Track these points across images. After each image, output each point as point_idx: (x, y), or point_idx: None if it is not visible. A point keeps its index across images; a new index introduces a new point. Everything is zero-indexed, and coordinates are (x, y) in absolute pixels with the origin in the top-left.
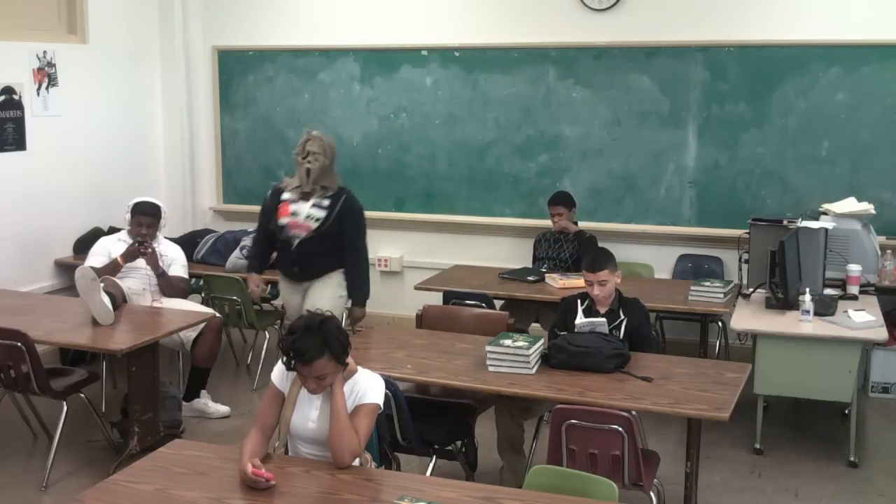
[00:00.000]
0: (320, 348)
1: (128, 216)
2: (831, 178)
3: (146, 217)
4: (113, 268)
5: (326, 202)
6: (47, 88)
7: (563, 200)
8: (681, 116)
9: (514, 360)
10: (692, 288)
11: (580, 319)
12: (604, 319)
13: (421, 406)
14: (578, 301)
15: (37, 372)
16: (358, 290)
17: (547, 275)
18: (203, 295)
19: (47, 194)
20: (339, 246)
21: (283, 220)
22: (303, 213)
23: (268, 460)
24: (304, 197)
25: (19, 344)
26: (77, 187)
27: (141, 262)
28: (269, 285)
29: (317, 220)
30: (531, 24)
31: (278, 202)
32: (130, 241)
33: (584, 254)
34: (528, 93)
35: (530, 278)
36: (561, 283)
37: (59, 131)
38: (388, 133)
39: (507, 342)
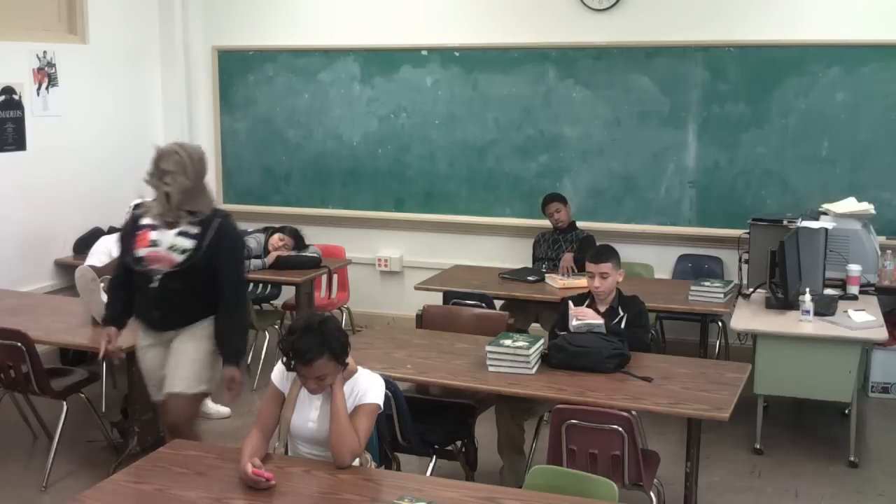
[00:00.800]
0: (320, 348)
1: (128, 217)
2: (831, 178)
3: None
4: (113, 268)
5: (195, 229)
6: (47, 88)
7: (556, 197)
8: (681, 116)
9: (514, 360)
10: (692, 288)
11: (577, 321)
12: (601, 321)
13: (421, 406)
14: (572, 303)
15: (37, 372)
16: (230, 345)
17: (547, 274)
18: None
19: (47, 194)
20: (212, 286)
21: (141, 252)
22: (165, 244)
23: (268, 460)
24: (169, 224)
25: (19, 344)
26: (77, 187)
27: None
28: (269, 286)
29: (183, 251)
30: (531, 24)
31: (136, 229)
32: None
33: (584, 252)
34: (528, 93)
35: (530, 278)
36: (561, 283)
37: (59, 131)
38: (388, 133)
39: (507, 342)
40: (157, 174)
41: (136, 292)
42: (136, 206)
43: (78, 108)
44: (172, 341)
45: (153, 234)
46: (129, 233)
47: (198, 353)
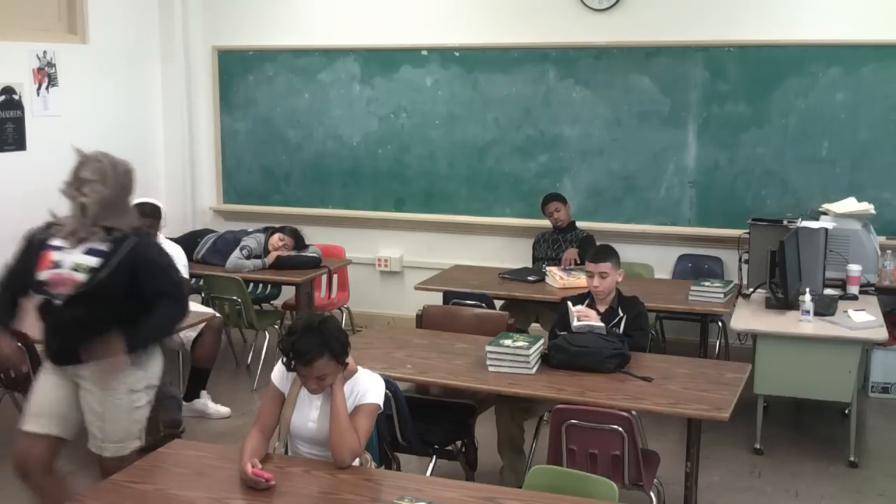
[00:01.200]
0: (320, 349)
1: None
2: (831, 178)
3: (145, 218)
4: None
5: (104, 247)
6: (47, 88)
7: (556, 197)
8: (681, 116)
9: (514, 360)
10: (692, 288)
11: (577, 322)
12: (602, 324)
13: (421, 406)
14: (571, 303)
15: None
16: (137, 334)
17: (548, 269)
18: (203, 295)
19: (47, 194)
20: (120, 316)
21: (43, 275)
22: (68, 264)
23: (268, 460)
24: (78, 241)
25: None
26: None
27: None
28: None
29: (87, 269)
30: (531, 24)
31: (40, 249)
32: None
33: (584, 252)
34: (528, 93)
35: (530, 278)
36: (561, 282)
37: (59, 131)
38: (388, 133)
39: (507, 342)
40: (75, 183)
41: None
42: (48, 225)
43: (78, 108)
44: (80, 384)
45: (56, 255)
46: (33, 253)
47: (120, 406)
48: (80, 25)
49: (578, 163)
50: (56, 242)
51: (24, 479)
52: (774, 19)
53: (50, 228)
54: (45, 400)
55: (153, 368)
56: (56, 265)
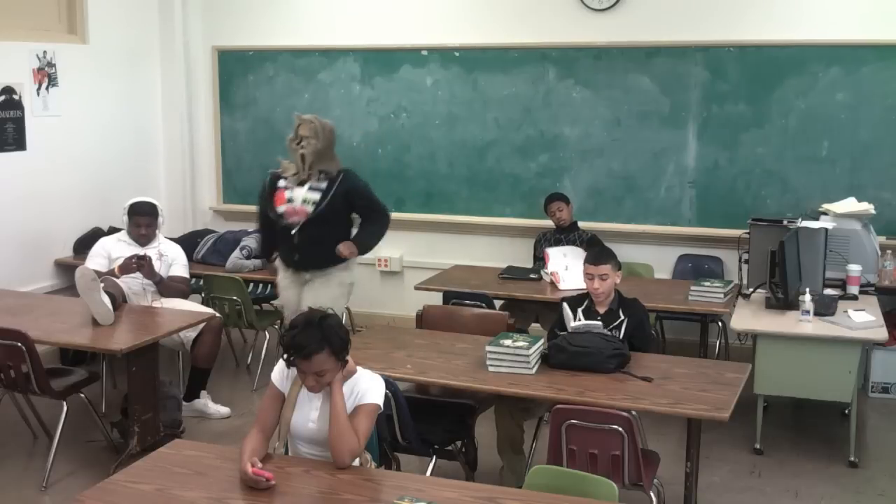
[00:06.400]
0: (320, 343)
1: (125, 218)
2: (831, 178)
3: (144, 217)
4: (110, 276)
5: (323, 184)
6: (47, 88)
7: (559, 196)
8: (681, 116)
9: (514, 360)
10: (692, 288)
11: (575, 322)
12: (599, 323)
13: (421, 406)
14: (568, 304)
15: (37, 372)
16: (361, 239)
17: (545, 271)
18: (203, 295)
19: (47, 194)
20: (343, 231)
21: (281, 209)
22: (298, 199)
23: (268, 460)
24: (301, 183)
25: (19, 344)
26: (77, 187)
27: None
28: (269, 286)
29: (313, 203)
30: (531, 24)
31: (274, 189)
32: (130, 242)
33: (589, 250)
34: (528, 93)
35: (532, 276)
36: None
37: (59, 131)
38: (388, 133)
39: (507, 342)
40: (297, 139)
41: (277, 237)
42: (275, 173)
43: (78, 108)
44: (306, 284)
45: (288, 193)
46: (269, 192)
47: (328, 296)
48: (80, 25)
49: (578, 163)
50: (284, 184)
51: None
52: (774, 19)
53: (278, 170)
54: (292, 305)
55: (354, 271)
56: (290, 200)
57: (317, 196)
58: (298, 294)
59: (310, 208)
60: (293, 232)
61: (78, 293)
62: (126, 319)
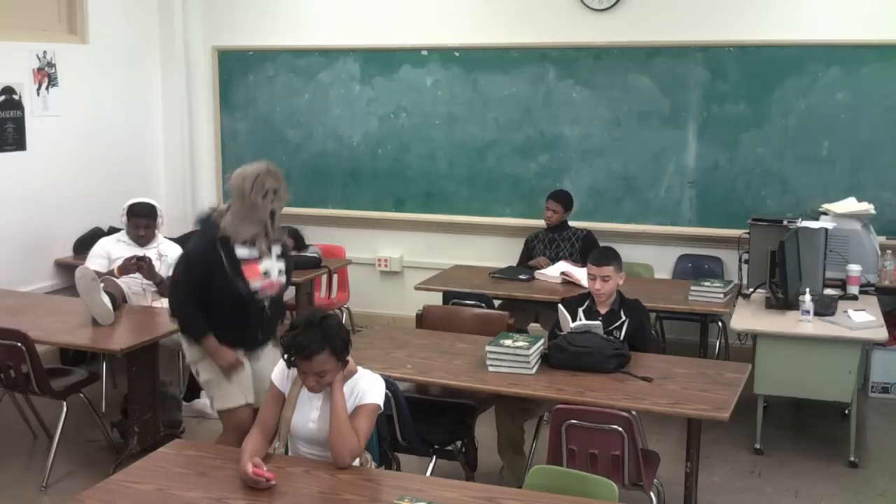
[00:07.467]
0: (321, 343)
1: (124, 219)
2: (831, 178)
3: (142, 219)
4: (109, 276)
5: (278, 249)
6: (47, 88)
7: (563, 200)
8: (681, 116)
9: (514, 360)
10: (692, 288)
11: (574, 322)
12: (599, 323)
13: (421, 406)
14: (568, 304)
15: (37, 372)
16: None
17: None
18: None
19: (47, 194)
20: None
21: (256, 284)
22: (274, 271)
23: (268, 460)
24: (268, 247)
25: (19, 344)
26: (77, 187)
27: None
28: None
29: (280, 271)
30: (531, 24)
31: (236, 261)
32: (129, 242)
33: (586, 252)
34: (528, 93)
35: (521, 277)
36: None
37: (59, 131)
38: (388, 133)
39: (507, 342)
40: (262, 191)
41: (228, 315)
42: (202, 221)
43: (78, 107)
44: (259, 357)
45: (262, 265)
46: (228, 262)
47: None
48: (80, 25)
49: (578, 163)
50: (249, 252)
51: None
52: (774, 19)
53: (225, 236)
54: (249, 378)
55: None
56: (266, 274)
57: (282, 264)
58: (250, 372)
59: (283, 279)
60: (263, 309)
61: (78, 293)
62: (126, 319)
